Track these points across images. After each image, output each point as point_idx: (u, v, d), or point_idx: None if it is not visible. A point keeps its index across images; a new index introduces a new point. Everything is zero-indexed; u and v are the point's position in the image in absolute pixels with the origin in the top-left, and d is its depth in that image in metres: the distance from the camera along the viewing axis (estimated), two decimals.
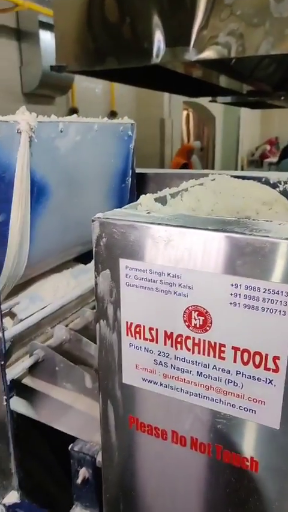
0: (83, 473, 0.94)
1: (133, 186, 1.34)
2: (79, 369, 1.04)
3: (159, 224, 0.59)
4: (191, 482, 0.69)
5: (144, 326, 0.64)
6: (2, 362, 0.92)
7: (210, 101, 4.08)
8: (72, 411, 1.06)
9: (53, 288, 1.15)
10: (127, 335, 0.66)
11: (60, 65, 1.72)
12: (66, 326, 1.19)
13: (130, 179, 1.33)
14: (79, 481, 0.94)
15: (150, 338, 0.64)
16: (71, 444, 0.96)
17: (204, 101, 7.24)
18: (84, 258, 1.40)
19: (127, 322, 0.65)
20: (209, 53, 1.33)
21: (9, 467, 0.99)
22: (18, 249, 0.94)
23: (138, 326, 0.65)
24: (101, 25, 1.53)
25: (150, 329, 0.64)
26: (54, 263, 1.19)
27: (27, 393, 1.12)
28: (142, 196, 0.77)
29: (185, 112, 8.29)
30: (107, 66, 1.55)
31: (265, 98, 2.60)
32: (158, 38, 1.39)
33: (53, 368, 1.07)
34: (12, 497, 1.02)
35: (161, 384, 0.65)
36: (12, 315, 1.06)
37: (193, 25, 1.31)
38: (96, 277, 0.66)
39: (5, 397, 0.94)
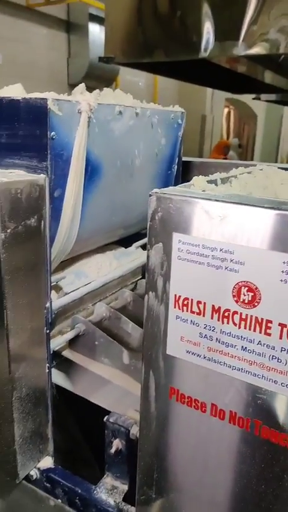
0: (117, 444, 0.98)
1: (178, 173, 1.36)
2: (118, 345, 1.08)
3: (215, 200, 0.61)
4: (226, 456, 0.71)
5: (192, 299, 0.67)
6: (48, 331, 0.97)
7: (253, 98, 4.03)
8: (109, 385, 1.10)
9: (97, 267, 1.19)
10: (174, 307, 0.69)
11: (109, 57, 1.76)
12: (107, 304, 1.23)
13: (176, 166, 1.35)
14: (112, 451, 0.98)
15: (198, 311, 0.67)
16: (107, 416, 1.00)
17: (247, 98, 7.15)
18: (124, 242, 1.44)
19: (175, 295, 0.68)
20: (258, 49, 1.33)
21: (47, 432, 1.04)
22: (70, 224, 0.98)
23: (186, 299, 0.67)
24: (151, 18, 1.55)
25: (198, 302, 0.66)
26: (100, 243, 1.23)
27: (66, 366, 1.17)
28: (195, 178, 0.79)
29: (226, 109, 8.21)
30: (155, 58, 1.58)
31: None
32: (208, 32, 1.40)
33: (92, 343, 1.11)
34: (47, 462, 1.07)
35: (204, 357, 0.68)
36: (58, 288, 1.11)
37: (243, 20, 1.31)
38: (148, 250, 0.69)
39: (47, 365, 0.99)
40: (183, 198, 0.64)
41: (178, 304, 0.68)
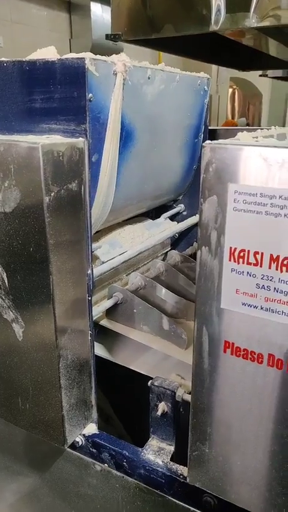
0: (162, 406, 0.99)
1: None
2: (157, 312, 1.09)
3: (274, 147, 0.60)
4: (283, 405, 0.71)
5: (248, 251, 0.66)
6: (90, 298, 0.97)
7: (260, 75, 3.95)
8: (149, 352, 1.11)
9: (130, 237, 1.19)
10: (229, 260, 0.68)
11: (116, 34, 1.72)
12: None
13: (202, 134, 1.33)
14: (159, 413, 0.99)
15: (254, 262, 0.66)
16: (151, 380, 1.01)
17: (252, 77, 7.02)
18: (150, 214, 1.43)
19: (231, 247, 0.68)
20: (270, 20, 1.30)
21: (91, 399, 1.06)
22: (106, 190, 0.98)
23: (242, 250, 0.67)
24: None
25: (255, 253, 0.66)
26: (132, 212, 1.23)
27: (103, 336, 1.18)
28: (240, 133, 0.77)
29: (230, 89, 8.08)
30: (164, 34, 1.55)
31: None
32: (218, 4, 1.37)
33: (131, 311, 1.12)
34: (91, 428, 1.08)
35: (261, 308, 0.68)
36: (94, 258, 1.11)
37: None
38: (201, 205, 0.68)
39: (90, 332, 1.00)
40: (240, 146, 0.63)
41: (234, 256, 0.68)
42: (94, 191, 0.95)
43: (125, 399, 1.36)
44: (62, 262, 0.86)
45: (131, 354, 1.14)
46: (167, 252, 1.41)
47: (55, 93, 0.85)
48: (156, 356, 1.10)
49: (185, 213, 1.47)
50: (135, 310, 1.11)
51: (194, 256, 1.46)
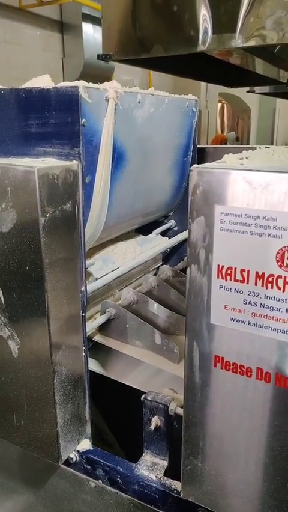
0: (156, 421, 1.01)
1: (194, 160, 1.39)
2: (149, 327, 1.11)
3: (257, 171, 0.64)
4: (272, 417, 0.74)
5: (235, 268, 0.70)
6: (83, 314, 0.99)
7: (248, 91, 4.06)
8: (142, 366, 1.13)
9: (122, 253, 1.22)
10: (218, 277, 0.72)
11: (107, 54, 1.78)
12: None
13: (191, 153, 1.38)
14: (152, 428, 1.01)
15: (241, 279, 0.70)
16: (144, 395, 1.03)
17: (240, 92, 7.18)
18: (141, 231, 1.46)
19: (218, 265, 0.71)
20: (255, 40, 1.36)
21: (85, 414, 1.07)
22: (99, 209, 1.01)
23: (229, 268, 0.70)
24: (148, 14, 1.58)
25: (242, 270, 0.69)
26: (123, 229, 1.26)
27: (97, 350, 1.19)
28: (226, 156, 0.81)
29: (219, 104, 8.25)
30: (153, 54, 1.60)
31: None
32: (205, 25, 1.43)
33: (123, 326, 1.14)
34: (85, 444, 1.09)
35: (249, 323, 0.71)
36: (88, 274, 1.14)
37: (239, 12, 1.34)
38: (190, 225, 0.72)
39: (84, 348, 1.02)
40: (225, 170, 0.67)
41: (221, 274, 0.71)
42: (88, 210, 0.98)
43: (118, 413, 1.37)
44: (56, 280, 0.89)
45: (124, 369, 1.16)
46: (159, 266, 1.45)
47: (50, 118, 0.89)
48: (148, 370, 1.12)
49: (175, 229, 1.51)
50: (127, 326, 1.13)
51: (185, 270, 1.49)
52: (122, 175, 1.07)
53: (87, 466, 1.08)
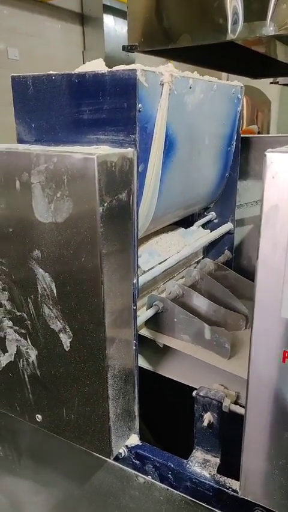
0: (209, 417, 0.98)
1: (237, 150, 1.35)
2: (199, 321, 1.08)
3: None
4: None
5: None
6: (135, 307, 0.97)
7: (271, 82, 3.96)
8: (191, 362, 1.10)
9: (167, 245, 1.19)
10: None
11: (132, 45, 1.74)
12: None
13: (235, 143, 1.34)
14: (205, 424, 0.98)
15: None
16: (196, 391, 1.00)
17: (260, 84, 7.05)
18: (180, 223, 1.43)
19: None
20: (287, 28, 1.30)
21: (134, 409, 1.05)
22: (150, 199, 0.98)
23: None
24: (176, 2, 1.53)
25: None
26: (170, 220, 1.23)
27: (143, 345, 1.17)
28: None
29: None
30: (181, 44, 1.56)
31: None
32: (234, 13, 1.38)
33: (171, 320, 1.11)
34: (134, 439, 1.07)
35: None
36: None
37: None
38: (262, 215, 0.68)
39: (134, 342, 0.99)
40: None
41: None
42: (139, 200, 0.95)
43: (155, 409, 1.35)
44: (112, 272, 0.86)
45: (172, 364, 1.13)
46: (200, 260, 1.41)
47: (104, 104, 0.86)
48: (197, 365, 1.09)
49: (216, 221, 1.47)
50: (175, 320, 1.10)
51: (227, 264, 1.46)
52: (172, 164, 1.04)
53: (136, 461, 1.06)
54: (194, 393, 1.00)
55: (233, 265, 1.51)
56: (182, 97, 0.99)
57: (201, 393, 0.98)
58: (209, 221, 1.46)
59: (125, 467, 1.08)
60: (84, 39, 4.70)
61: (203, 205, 1.40)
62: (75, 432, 1.01)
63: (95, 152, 0.78)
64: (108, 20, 4.53)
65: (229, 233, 1.43)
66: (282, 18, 1.28)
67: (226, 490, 0.94)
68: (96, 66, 0.90)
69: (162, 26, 1.58)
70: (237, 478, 0.94)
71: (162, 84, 0.90)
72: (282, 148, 0.68)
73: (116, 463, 1.09)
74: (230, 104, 1.25)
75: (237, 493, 0.91)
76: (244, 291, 1.35)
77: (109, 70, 0.84)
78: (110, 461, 1.09)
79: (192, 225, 1.39)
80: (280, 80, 3.92)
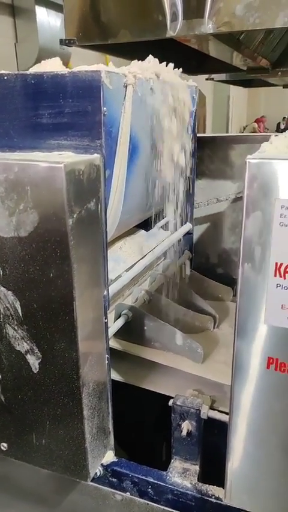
0: (187, 425, 0.96)
1: (195, 150, 1.34)
2: (170, 327, 1.06)
3: None
4: None
5: None
6: (106, 320, 0.92)
7: (207, 79, 4.05)
8: (165, 369, 1.07)
9: (132, 250, 1.15)
10: (275, 276, 0.67)
11: (70, 39, 1.68)
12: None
13: (191, 143, 1.32)
14: (184, 433, 0.96)
15: None
16: (172, 400, 0.98)
17: (195, 80, 7.20)
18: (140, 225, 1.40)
19: (276, 263, 0.66)
20: (225, 26, 1.32)
21: (109, 426, 1.00)
22: (116, 206, 0.93)
23: None
24: None
25: None
26: (133, 224, 1.19)
27: (113, 356, 1.12)
28: (265, 144, 0.76)
29: None
30: (120, 39, 1.52)
31: (264, 75, 2.62)
32: (173, 10, 1.37)
33: (141, 328, 1.08)
34: (109, 456, 1.03)
35: None
36: None
37: None
38: (244, 220, 0.67)
39: (107, 355, 0.94)
40: (286, 161, 0.62)
41: (279, 272, 0.67)
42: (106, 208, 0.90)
43: (124, 419, 1.31)
44: (84, 286, 0.81)
45: (143, 373, 1.10)
46: (161, 262, 1.39)
47: (65, 108, 0.80)
48: (169, 372, 1.07)
49: (174, 221, 1.45)
50: (145, 328, 1.07)
51: (189, 265, 1.45)
52: (135, 168, 1.00)
53: (113, 479, 1.02)
54: (170, 403, 0.97)
55: (193, 265, 1.51)
56: (145, 99, 0.95)
57: (178, 402, 0.96)
58: (168, 222, 1.43)
59: (101, 486, 1.04)
60: (16, 32, 4.47)
61: (163, 206, 1.37)
62: (47, 458, 0.94)
63: (61, 160, 0.72)
64: (41, 11, 4.34)
65: (188, 233, 1.43)
66: (220, 16, 1.28)
67: (209, 499, 0.93)
68: (53, 66, 0.83)
69: (101, 20, 1.52)
70: (218, 485, 0.94)
71: (126, 86, 0.85)
72: (259, 154, 0.67)
73: (90, 483, 1.04)
74: None
75: (221, 500, 0.90)
76: (207, 290, 1.35)
77: (70, 70, 0.78)
78: (83, 481, 1.03)
79: (152, 227, 1.36)
80: (215, 76, 4.00)
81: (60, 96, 0.80)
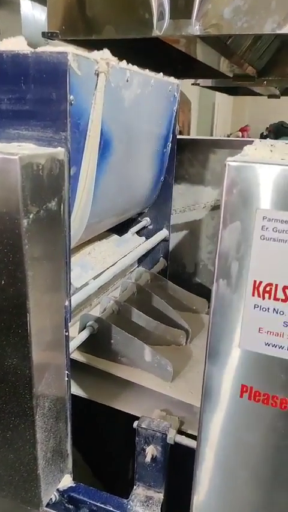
0: (152, 450, 0.88)
1: (173, 152, 1.26)
2: (138, 342, 0.97)
3: None
4: None
5: (276, 285, 0.58)
6: (67, 333, 0.83)
7: (192, 84, 4.01)
8: (130, 387, 0.99)
9: (101, 256, 1.07)
10: (253, 295, 0.60)
11: (53, 32, 1.59)
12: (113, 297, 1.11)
13: (171, 144, 1.25)
14: (148, 459, 0.88)
15: (283, 298, 0.58)
16: (137, 422, 0.89)
17: (182, 85, 7.15)
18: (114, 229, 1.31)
19: (255, 281, 0.59)
20: (212, 28, 1.26)
21: (66, 448, 0.91)
22: (84, 207, 0.85)
23: (269, 284, 0.59)
24: None
25: (285, 287, 0.58)
26: (104, 228, 1.10)
27: (77, 370, 1.03)
28: (248, 147, 0.69)
29: None
30: (105, 35, 1.45)
31: (250, 83, 2.58)
32: (161, 9, 1.31)
33: (107, 341, 0.99)
34: (66, 481, 0.94)
35: None
36: None
37: None
38: (221, 231, 0.59)
39: (66, 372, 0.85)
40: (271, 166, 0.54)
41: (258, 291, 0.59)
42: (71, 209, 0.82)
43: (92, 439, 1.22)
44: (40, 296, 0.72)
45: (110, 390, 1.01)
46: (134, 269, 1.31)
47: (27, 93, 0.71)
48: (136, 390, 0.99)
49: (150, 227, 1.37)
50: (112, 341, 0.98)
51: (162, 272, 1.37)
52: (107, 166, 0.91)
53: (70, 506, 0.93)
54: (135, 425, 0.89)
55: (168, 274, 1.43)
56: (119, 91, 0.87)
57: (143, 425, 0.88)
58: (144, 227, 1.35)
59: None
60: None
61: (138, 211, 1.29)
62: None
63: (17, 151, 0.63)
64: (25, 3, 4.22)
65: (164, 240, 1.35)
66: (208, 18, 1.22)
67: None
68: (16, 45, 0.74)
69: (86, 14, 1.45)
70: None
71: (98, 74, 0.77)
72: (241, 157, 0.60)
73: (46, 509, 0.95)
74: (166, 102, 1.15)
75: None
76: (181, 302, 1.27)
77: (33, 51, 0.69)
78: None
79: (126, 232, 1.28)
80: (201, 82, 3.96)
81: (22, 79, 0.70)
